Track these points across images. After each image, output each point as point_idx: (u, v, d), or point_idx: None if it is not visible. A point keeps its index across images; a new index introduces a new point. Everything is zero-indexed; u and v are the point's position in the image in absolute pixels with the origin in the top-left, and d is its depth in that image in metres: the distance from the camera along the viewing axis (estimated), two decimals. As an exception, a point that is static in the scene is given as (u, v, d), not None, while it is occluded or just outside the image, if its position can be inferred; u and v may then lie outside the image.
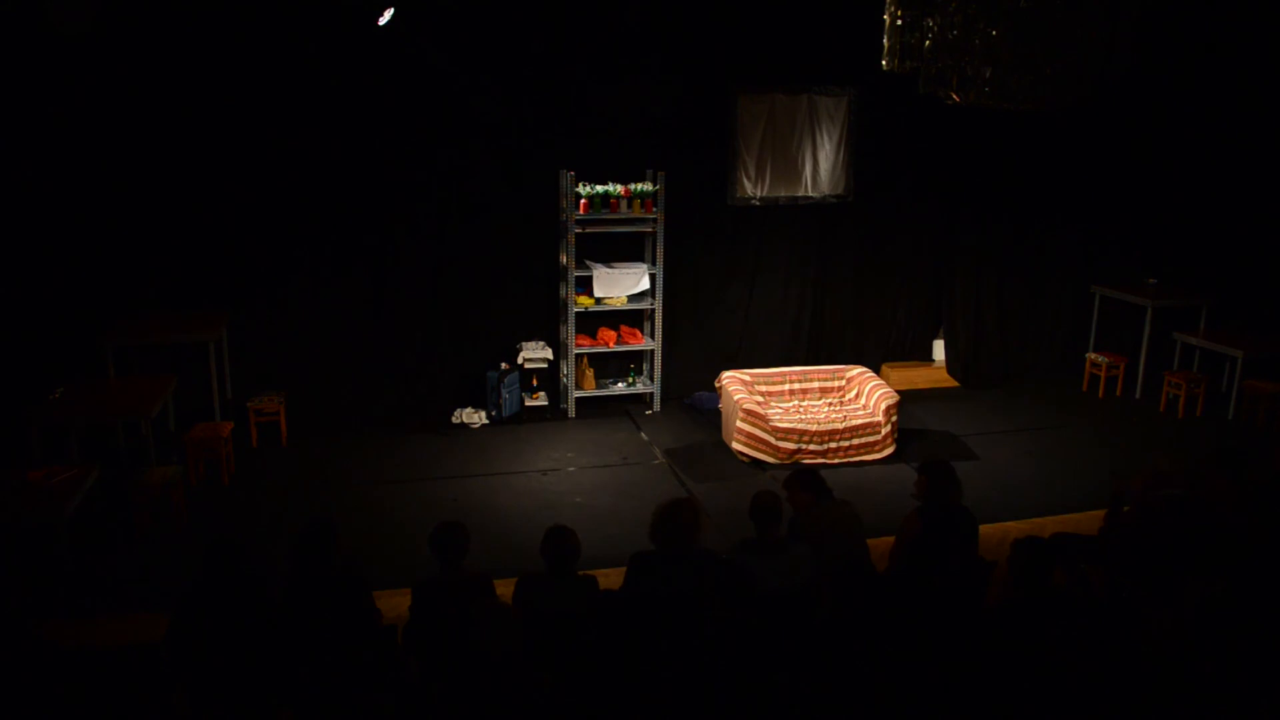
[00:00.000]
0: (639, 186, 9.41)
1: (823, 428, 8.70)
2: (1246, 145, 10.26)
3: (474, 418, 9.57)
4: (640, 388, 10.05)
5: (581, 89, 9.41)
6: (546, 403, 9.91)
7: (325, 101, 8.87)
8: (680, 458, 8.84)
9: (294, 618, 4.69)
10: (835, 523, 5.62)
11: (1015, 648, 4.60)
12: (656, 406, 9.99)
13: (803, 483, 5.70)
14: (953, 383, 10.96)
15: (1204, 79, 10.14)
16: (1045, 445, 9.28)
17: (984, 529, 6.44)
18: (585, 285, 9.66)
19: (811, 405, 9.39)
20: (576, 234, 9.41)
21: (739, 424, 8.64)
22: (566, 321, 9.67)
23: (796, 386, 9.50)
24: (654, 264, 9.66)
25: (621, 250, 9.79)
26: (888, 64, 5.95)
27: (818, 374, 9.65)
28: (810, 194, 10.38)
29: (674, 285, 9.88)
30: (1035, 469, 8.72)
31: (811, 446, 8.63)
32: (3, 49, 7.87)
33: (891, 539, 5.87)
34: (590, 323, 9.88)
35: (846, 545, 5.52)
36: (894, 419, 8.82)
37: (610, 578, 5.53)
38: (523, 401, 9.81)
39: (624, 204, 9.39)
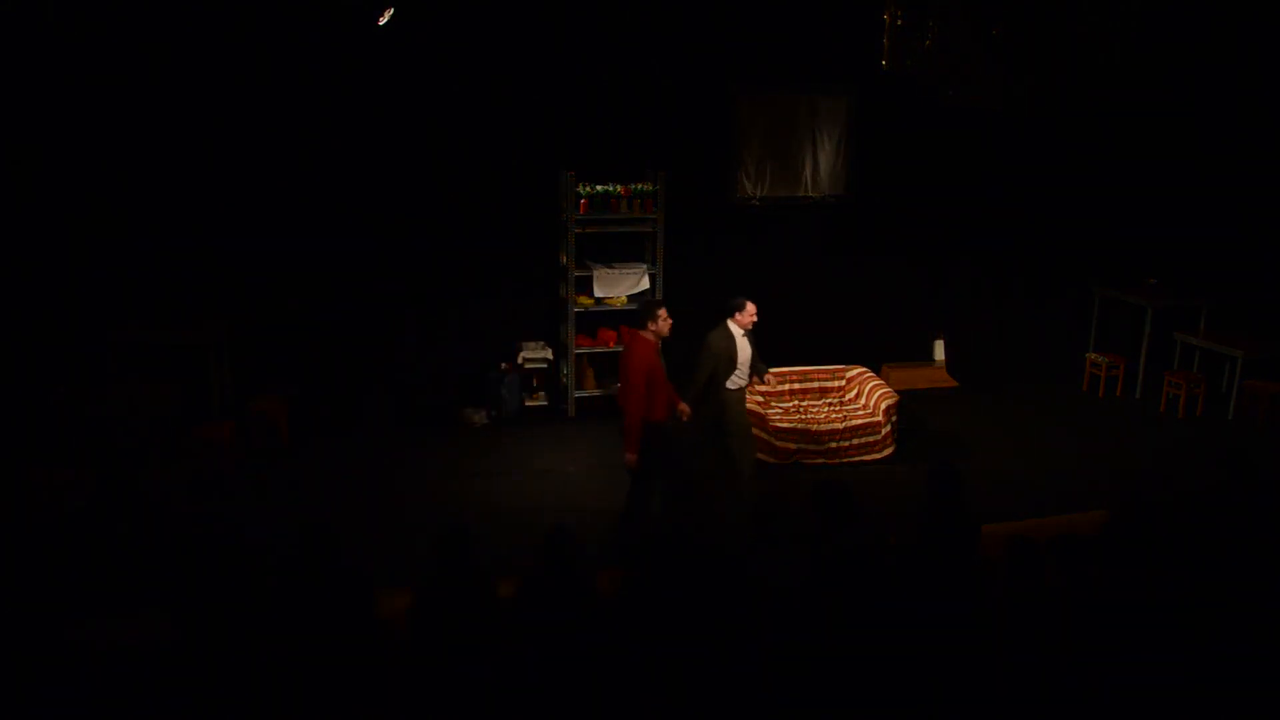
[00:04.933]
0: (639, 186, 9.41)
1: (823, 428, 8.70)
2: (1246, 145, 10.27)
3: (474, 418, 9.58)
4: (640, 388, 10.04)
5: (581, 89, 9.42)
6: (547, 403, 9.91)
7: (326, 101, 8.87)
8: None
9: (296, 618, 4.70)
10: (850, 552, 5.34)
11: (1014, 646, 4.61)
12: (656, 406, 9.98)
13: (827, 500, 5.27)
14: (953, 383, 10.97)
15: (1204, 79, 10.14)
16: (1045, 445, 9.28)
17: (984, 529, 6.44)
18: (585, 285, 9.66)
19: (811, 405, 9.39)
20: (576, 234, 9.41)
21: (739, 424, 8.63)
22: (566, 321, 9.67)
23: (796, 386, 9.51)
24: (654, 264, 9.66)
25: (621, 250, 9.79)
26: (887, 64, 5.97)
27: (818, 374, 9.65)
28: (810, 194, 10.39)
29: (674, 285, 9.88)
30: (1036, 469, 8.71)
31: (811, 447, 8.63)
32: (7, 49, 7.88)
33: (892, 539, 5.87)
34: (590, 323, 9.87)
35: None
36: (894, 419, 8.82)
37: (610, 578, 5.53)
38: (523, 401, 9.81)
39: (624, 204, 9.39)
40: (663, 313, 6.90)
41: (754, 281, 10.38)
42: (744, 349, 7.32)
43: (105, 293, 8.70)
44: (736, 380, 7.34)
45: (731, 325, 7.32)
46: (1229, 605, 4.93)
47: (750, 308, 7.32)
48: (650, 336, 6.88)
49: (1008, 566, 4.82)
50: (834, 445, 8.65)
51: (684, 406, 7.11)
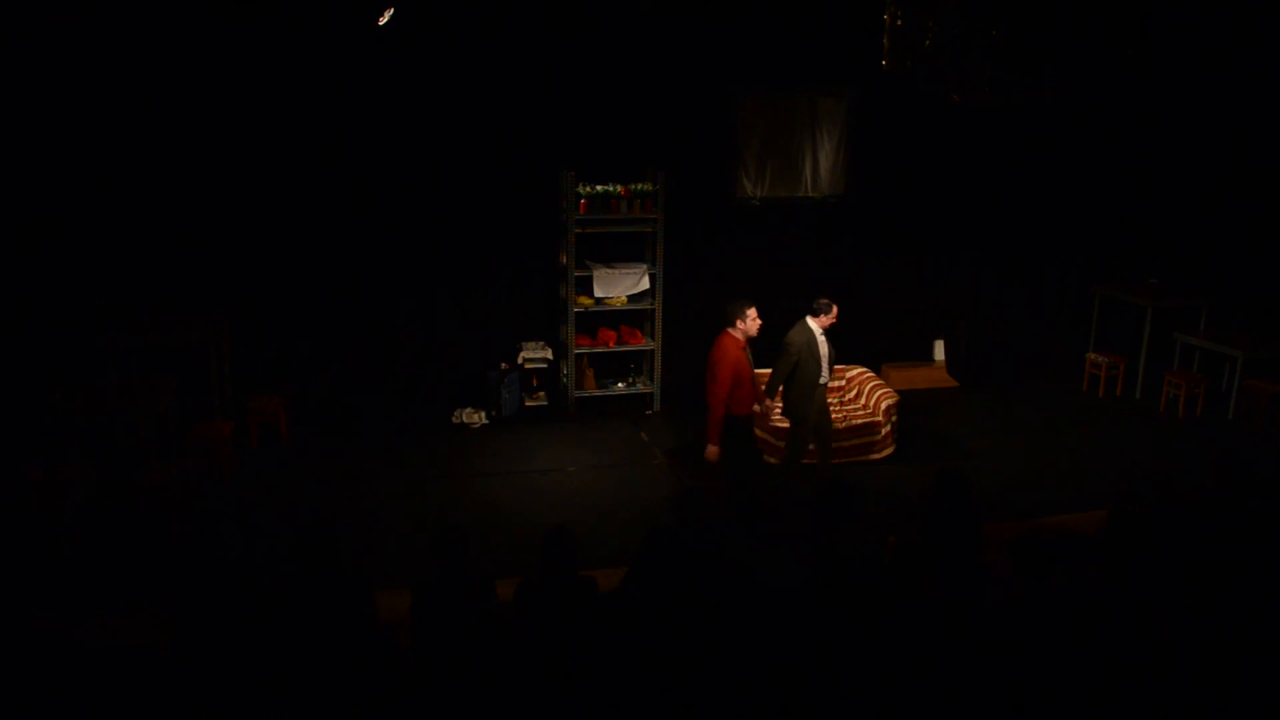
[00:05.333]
0: (639, 186, 9.41)
1: (823, 428, 8.69)
2: (1246, 145, 10.27)
3: (474, 418, 9.58)
4: (640, 388, 10.05)
5: (581, 89, 9.42)
6: (547, 403, 9.91)
7: (326, 101, 8.87)
8: (680, 458, 8.84)
9: (295, 618, 4.70)
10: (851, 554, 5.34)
11: (1016, 646, 4.61)
12: (656, 406, 9.99)
13: (828, 500, 5.29)
14: (953, 383, 10.97)
15: (1203, 79, 10.14)
16: (1045, 445, 9.28)
17: (985, 529, 6.44)
18: (585, 285, 9.66)
19: (811, 405, 9.37)
20: (576, 234, 9.41)
21: (739, 424, 8.63)
22: (566, 321, 9.67)
23: (796, 386, 9.50)
24: (654, 264, 9.66)
25: (621, 250, 9.79)
26: (887, 64, 5.97)
27: (818, 374, 9.64)
28: (810, 194, 10.38)
29: (674, 285, 9.88)
30: (1035, 469, 8.72)
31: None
32: (7, 49, 7.87)
33: (892, 539, 5.87)
34: (590, 323, 9.87)
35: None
36: (894, 419, 8.82)
37: (610, 578, 5.52)
38: (523, 401, 9.81)
39: (624, 204, 9.39)
40: (752, 312, 7.10)
41: (754, 281, 10.40)
42: (824, 346, 7.57)
43: (104, 292, 8.69)
44: (819, 377, 7.60)
45: (812, 323, 7.53)
46: (1228, 605, 4.92)
47: (834, 310, 7.59)
48: (738, 335, 7.10)
49: (1008, 566, 4.81)
50: (834, 445, 8.63)
51: (769, 402, 7.51)
